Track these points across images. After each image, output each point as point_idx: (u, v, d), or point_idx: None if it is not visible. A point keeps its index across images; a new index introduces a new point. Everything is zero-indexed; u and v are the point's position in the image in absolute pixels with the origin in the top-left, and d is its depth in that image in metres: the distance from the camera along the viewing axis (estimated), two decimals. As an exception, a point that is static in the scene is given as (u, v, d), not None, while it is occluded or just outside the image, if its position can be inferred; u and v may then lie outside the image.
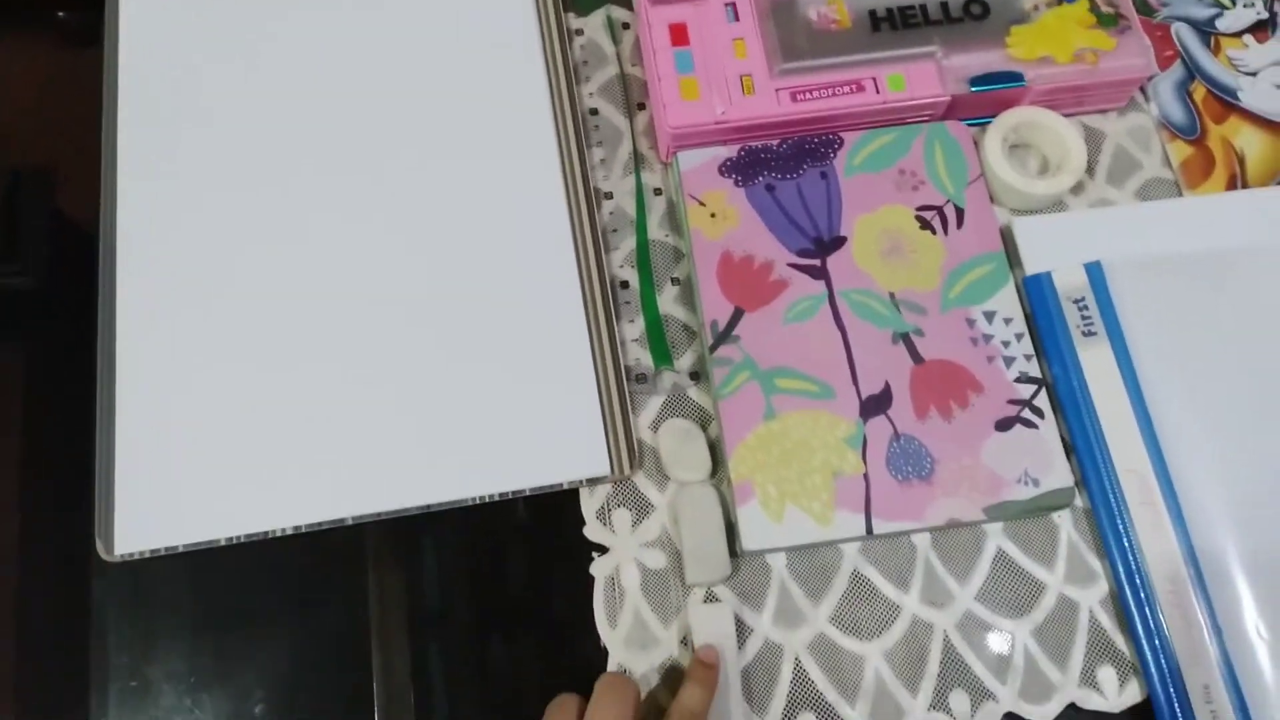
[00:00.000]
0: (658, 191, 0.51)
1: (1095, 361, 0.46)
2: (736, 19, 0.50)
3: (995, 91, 0.50)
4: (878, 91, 0.49)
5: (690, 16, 0.50)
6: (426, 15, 0.54)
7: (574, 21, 0.54)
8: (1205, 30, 0.55)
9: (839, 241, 0.48)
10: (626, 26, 0.54)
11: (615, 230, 0.50)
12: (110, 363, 0.46)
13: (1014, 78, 0.49)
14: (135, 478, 0.44)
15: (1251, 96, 0.53)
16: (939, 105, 0.50)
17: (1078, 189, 0.51)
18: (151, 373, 0.46)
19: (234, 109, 0.52)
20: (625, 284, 0.49)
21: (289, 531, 0.43)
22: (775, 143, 0.50)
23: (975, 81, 0.49)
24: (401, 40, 0.53)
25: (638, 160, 0.51)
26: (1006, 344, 0.46)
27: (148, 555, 0.43)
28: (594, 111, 0.52)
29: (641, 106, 0.53)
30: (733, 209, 0.49)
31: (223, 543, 0.43)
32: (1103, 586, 0.44)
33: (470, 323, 0.47)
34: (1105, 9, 0.51)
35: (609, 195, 0.51)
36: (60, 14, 0.56)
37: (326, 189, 0.50)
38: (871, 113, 0.50)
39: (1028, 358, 0.46)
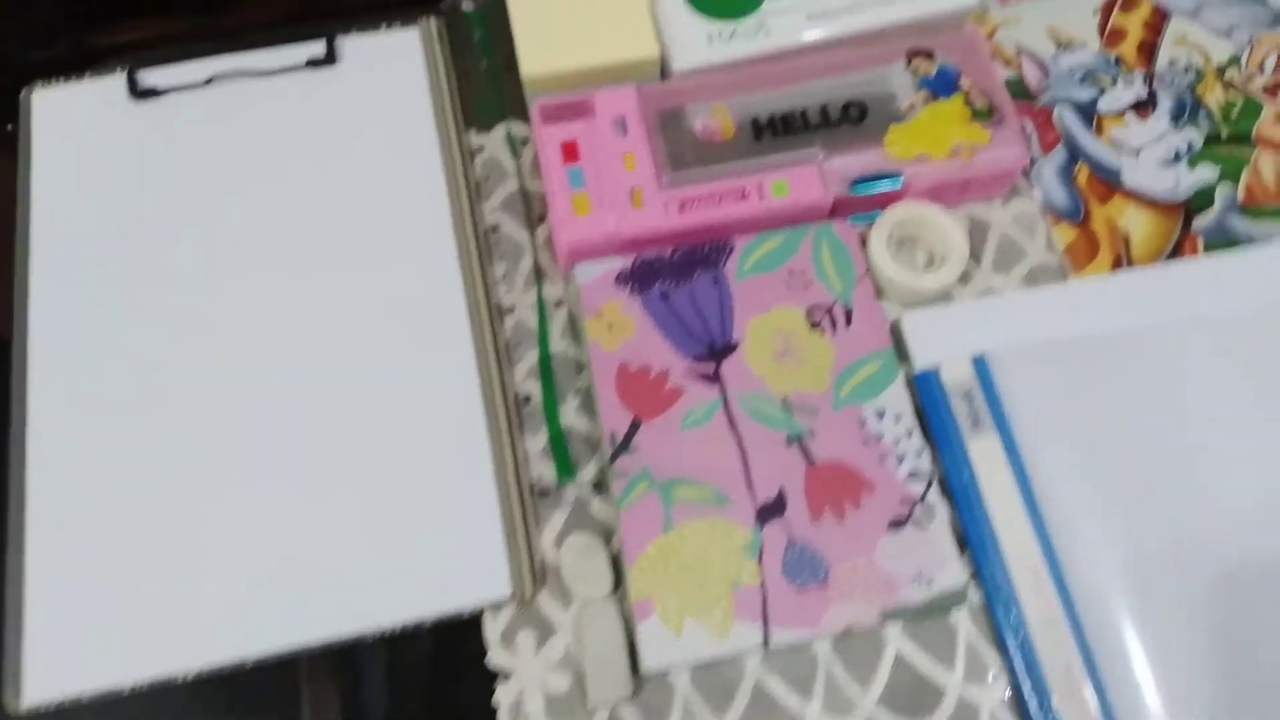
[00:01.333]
0: (559, 304, 0.53)
1: (984, 455, 0.48)
2: (625, 133, 0.52)
3: (876, 193, 0.52)
4: (761, 198, 0.51)
5: (581, 133, 0.53)
6: (331, 136, 0.56)
7: (475, 139, 0.57)
8: (1087, 111, 0.57)
9: (732, 346, 0.50)
10: (525, 142, 0.57)
11: (518, 344, 0.52)
12: (21, 497, 0.48)
13: (892, 177, 0.52)
14: (46, 621, 0.46)
15: (1134, 175, 0.55)
16: (822, 208, 0.52)
17: (965, 278, 0.53)
18: (63, 504, 0.48)
19: (146, 223, 0.53)
20: (528, 398, 0.51)
21: (190, 676, 0.44)
22: (669, 252, 0.52)
23: (856, 184, 0.52)
24: (305, 158, 0.55)
25: (539, 274, 0.53)
26: (897, 441, 0.48)
27: (58, 704, 0.44)
28: (495, 228, 0.54)
29: (542, 219, 0.55)
30: (629, 319, 0.50)
31: (127, 691, 0.44)
32: (1002, 684, 0.45)
33: (372, 444, 0.49)
34: (979, 103, 0.53)
35: (511, 310, 0.52)
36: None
37: (230, 310, 0.52)
38: (757, 219, 0.52)
39: (919, 454, 0.47)
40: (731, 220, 0.52)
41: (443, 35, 0.59)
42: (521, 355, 0.52)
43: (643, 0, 0.54)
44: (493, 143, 0.57)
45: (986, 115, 0.53)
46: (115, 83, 0.57)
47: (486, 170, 0.56)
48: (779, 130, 0.53)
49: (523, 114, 0.57)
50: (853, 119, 0.53)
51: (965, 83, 0.54)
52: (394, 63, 0.57)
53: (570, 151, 0.52)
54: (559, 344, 0.52)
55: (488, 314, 0.52)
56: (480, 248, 0.53)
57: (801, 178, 0.52)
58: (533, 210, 0.55)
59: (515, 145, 0.57)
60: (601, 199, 0.51)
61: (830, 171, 0.52)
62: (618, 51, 0.54)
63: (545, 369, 0.51)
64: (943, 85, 0.54)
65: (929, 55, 0.54)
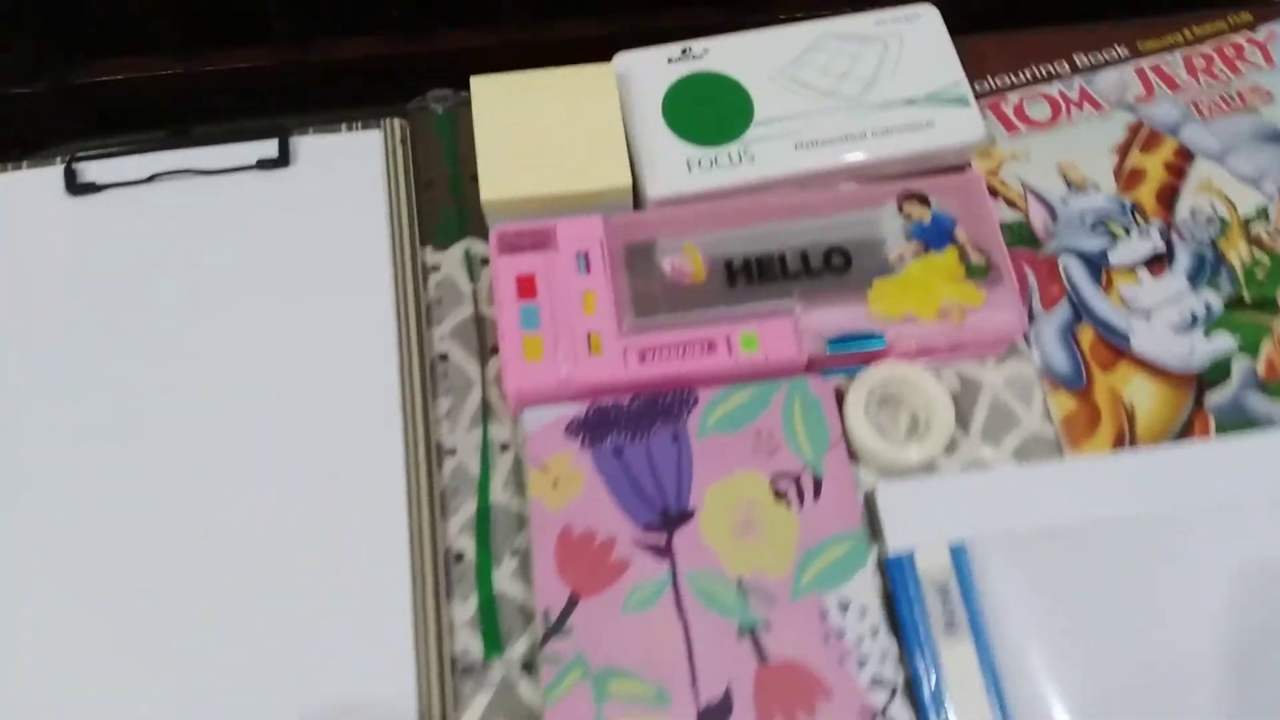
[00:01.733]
0: (505, 447, 0.49)
1: (958, 663, 0.43)
2: (588, 270, 0.48)
3: (855, 353, 0.48)
4: (730, 352, 0.47)
5: (540, 266, 0.49)
6: (277, 243, 0.52)
7: (431, 255, 0.53)
8: (1096, 264, 0.53)
9: (688, 513, 0.46)
10: (486, 262, 0.53)
11: (456, 491, 0.48)
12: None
13: (873, 338, 0.47)
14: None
15: (1144, 340, 0.51)
16: (795, 367, 0.48)
17: (951, 447, 0.49)
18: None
19: (75, 326, 0.50)
20: (460, 556, 0.47)
21: None
22: (626, 400, 0.48)
23: (834, 342, 0.47)
24: (247, 266, 0.52)
25: (486, 412, 0.49)
26: (860, 640, 0.43)
27: None
28: (444, 356, 0.51)
29: (495, 350, 0.51)
30: (577, 474, 0.46)
31: None
32: None
33: (281, 603, 0.45)
34: (975, 258, 0.49)
35: (452, 451, 0.49)
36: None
37: (148, 437, 0.48)
38: (723, 375, 0.47)
39: (883, 658, 0.43)
40: (695, 374, 0.47)
41: (406, 140, 0.55)
42: (459, 505, 0.48)
43: (618, 123, 0.51)
44: (450, 261, 0.53)
45: (982, 273, 0.49)
46: (53, 174, 0.54)
47: (440, 291, 0.52)
48: (754, 276, 0.49)
49: (485, 231, 0.53)
50: (835, 268, 0.49)
51: (961, 234, 0.49)
52: (351, 167, 0.54)
53: (526, 287, 0.49)
54: (501, 494, 0.48)
55: (425, 456, 0.48)
56: (425, 379, 0.49)
57: (775, 332, 0.48)
58: (486, 340, 0.51)
59: (473, 266, 0.53)
60: (556, 343, 0.47)
61: (807, 326, 0.48)
62: (587, 179, 0.50)
63: (483, 523, 0.47)
64: (936, 235, 0.49)
65: (923, 200, 0.50)
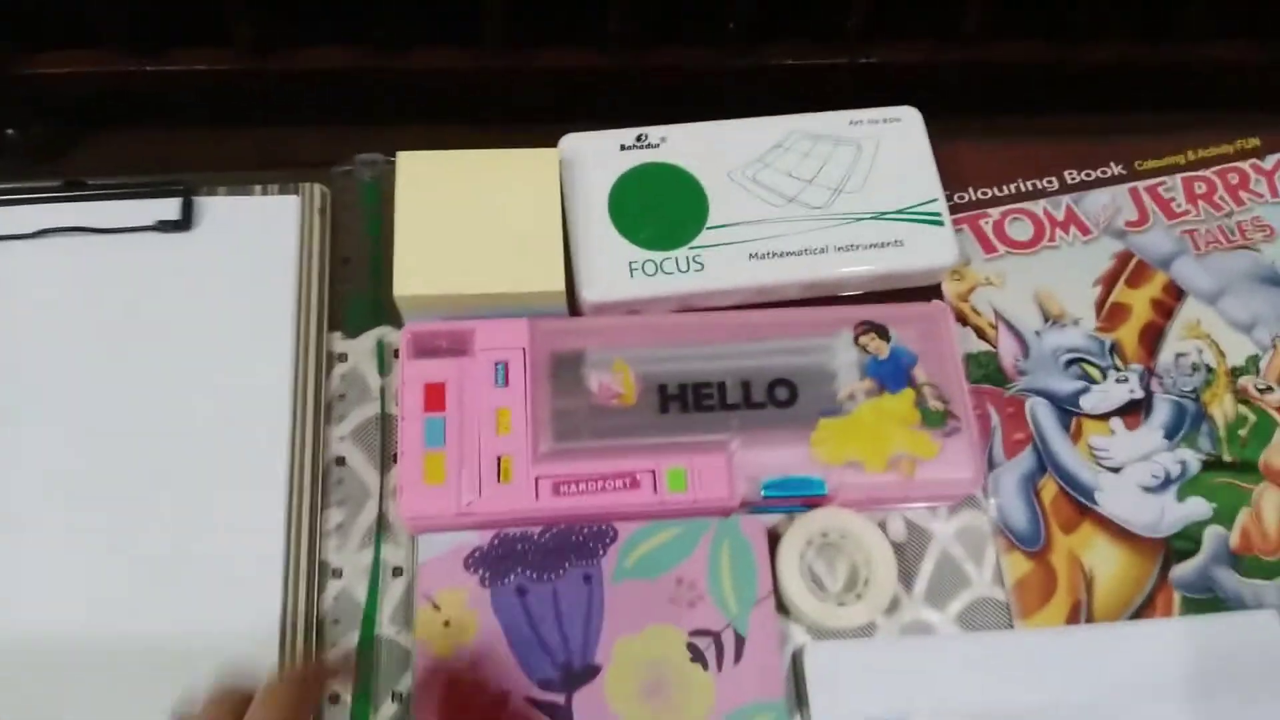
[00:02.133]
0: (398, 572, 0.44)
1: None
2: (506, 382, 0.44)
3: (791, 498, 0.43)
4: (655, 490, 0.43)
5: (453, 374, 0.44)
6: (170, 315, 0.47)
7: (340, 343, 0.48)
8: (1067, 409, 0.49)
9: (592, 671, 0.41)
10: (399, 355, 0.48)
11: (337, 621, 0.43)
12: None
13: (813, 486, 0.43)
14: None
15: (1111, 499, 0.47)
16: (725, 509, 0.43)
17: (892, 606, 0.45)
18: None
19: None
20: (335, 698, 0.42)
21: None
22: (537, 532, 0.43)
23: (770, 485, 0.43)
24: (134, 338, 0.47)
25: (382, 529, 0.45)
26: (766, 835, 0.39)
27: None
28: (340, 461, 0.46)
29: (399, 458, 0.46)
30: (472, 616, 0.42)
31: None
32: None
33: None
34: (934, 405, 0.45)
35: (338, 573, 0.44)
36: None
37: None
38: (646, 514, 0.43)
39: None
40: (614, 510, 0.43)
41: (326, 209, 0.50)
42: (339, 635, 0.43)
43: (556, 218, 0.46)
44: (359, 351, 0.48)
45: (939, 422, 0.44)
46: (-67, 221, 0.49)
47: (346, 385, 0.47)
48: (689, 403, 0.44)
49: (402, 320, 0.48)
50: (779, 401, 0.44)
51: (920, 374, 0.45)
52: (261, 235, 0.49)
53: (435, 397, 0.44)
54: (389, 627, 0.43)
55: (308, 577, 0.43)
56: (316, 486, 0.45)
57: (706, 469, 0.43)
58: (390, 444, 0.46)
59: (385, 359, 0.48)
60: (460, 466, 0.43)
61: (742, 464, 0.43)
62: (517, 279, 0.45)
63: (364, 661, 0.43)
64: (893, 374, 0.45)
65: (882, 333, 0.46)
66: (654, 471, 0.43)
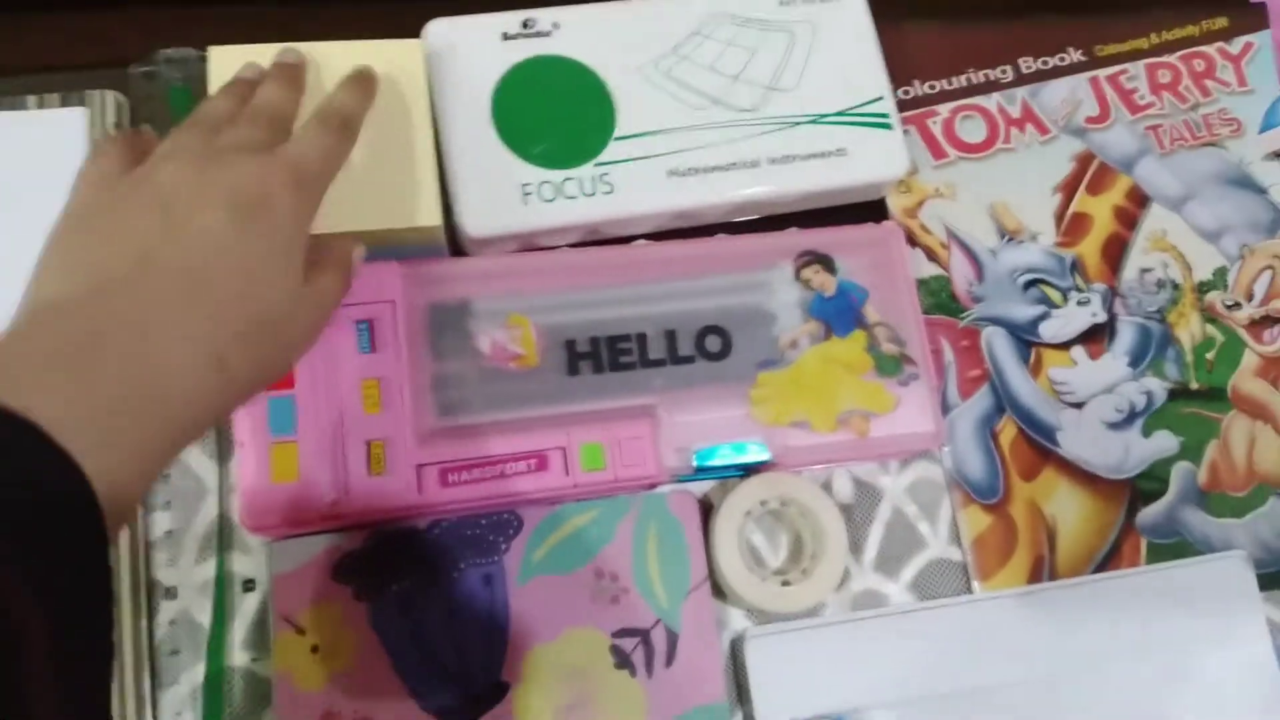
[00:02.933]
0: (250, 585, 0.36)
1: None
2: (372, 347, 0.35)
3: (728, 467, 0.37)
4: (567, 470, 0.36)
5: (302, 337, 0.35)
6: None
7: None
8: (1025, 340, 0.43)
9: (499, 691, 0.35)
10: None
11: (176, 652, 0.35)
12: None
13: (754, 452, 0.37)
14: None
15: (1073, 439, 0.43)
16: (651, 485, 0.37)
17: (843, 577, 0.39)
18: None
19: None
20: (180, 742, 0.35)
21: None
22: (423, 525, 0.36)
23: (704, 454, 0.37)
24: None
25: (224, 534, 0.36)
26: None
27: None
28: (168, 449, 0.37)
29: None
30: (347, 637, 0.35)
31: None
32: None
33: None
34: (888, 348, 0.38)
35: (171, 592, 0.36)
36: None
37: None
38: (556, 498, 0.36)
39: None
40: (519, 497, 0.36)
41: (123, 122, 0.39)
42: (179, 672, 0.35)
43: (426, 128, 0.37)
44: (183, 307, 0.39)
45: (894, 369, 0.38)
46: None
47: (168, 351, 0.38)
48: (603, 362, 0.37)
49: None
50: (710, 354, 0.38)
51: (871, 314, 0.39)
52: (41, 159, 0.38)
53: (281, 370, 0.35)
54: (241, 655, 0.36)
55: (131, 601, 0.35)
56: (141, 483, 0.36)
57: (627, 440, 0.36)
58: (228, 425, 0.37)
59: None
60: (319, 456, 0.34)
61: (670, 433, 0.37)
62: (378, 212, 0.36)
63: (212, 702, 0.35)
64: (840, 315, 0.39)
65: (827, 264, 0.39)
66: (564, 448, 0.36)
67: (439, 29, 0.40)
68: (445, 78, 0.39)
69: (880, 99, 0.41)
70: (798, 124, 0.41)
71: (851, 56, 0.42)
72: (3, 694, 0.19)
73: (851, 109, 0.41)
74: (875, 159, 0.41)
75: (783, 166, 0.40)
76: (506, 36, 0.40)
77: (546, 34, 0.40)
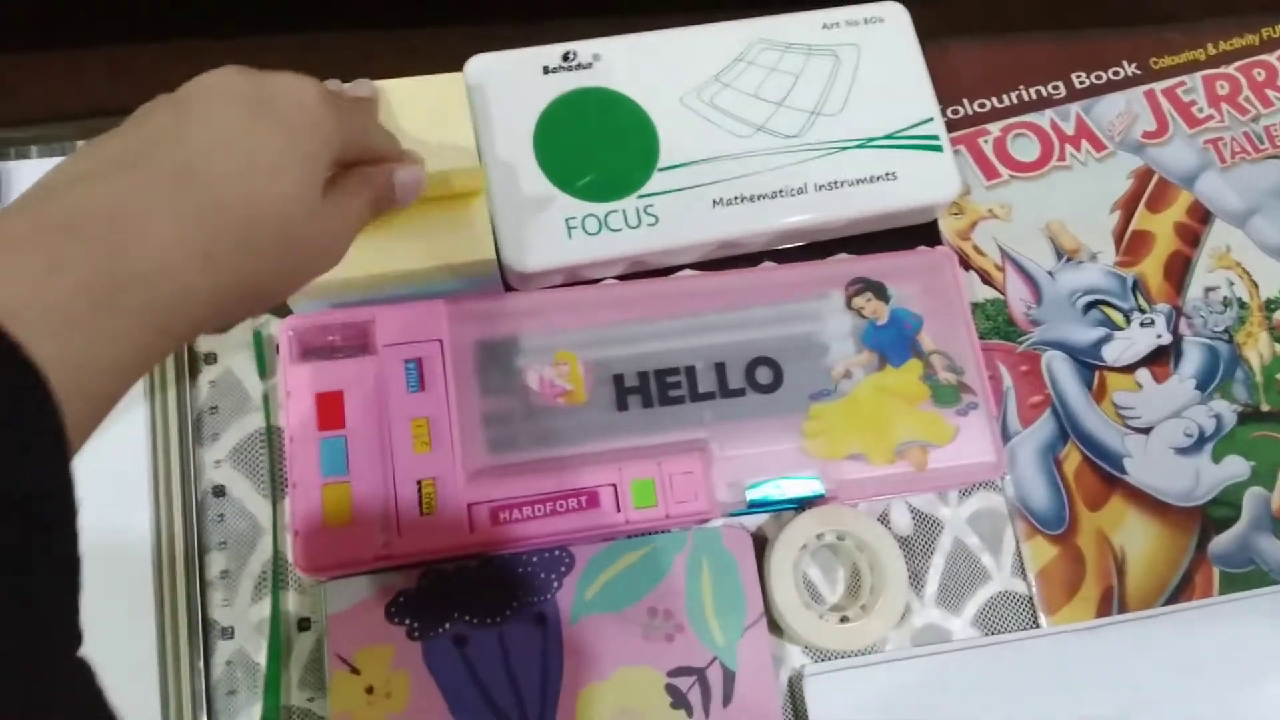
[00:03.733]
0: (305, 625, 0.36)
1: None
2: (421, 385, 0.36)
3: (782, 503, 0.37)
4: (619, 507, 0.35)
5: (352, 379, 0.36)
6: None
7: (203, 340, 0.39)
8: (1087, 363, 0.42)
9: (553, 731, 0.35)
10: (283, 347, 0.39)
11: (233, 692, 0.36)
12: None
13: (807, 489, 0.36)
14: None
15: (1141, 466, 0.41)
16: (704, 521, 0.36)
17: (903, 612, 0.39)
18: None
19: None
20: (239, 788, 0.35)
21: None
22: (475, 564, 0.36)
23: (756, 487, 0.36)
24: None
25: (279, 573, 0.37)
26: None
27: None
28: (219, 491, 0.37)
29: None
30: (401, 678, 0.35)
31: None
32: None
33: None
34: (945, 377, 0.38)
35: (228, 632, 0.36)
36: None
37: None
38: (608, 535, 0.36)
39: None
40: (570, 535, 0.36)
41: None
42: (237, 710, 0.35)
43: (472, 163, 0.37)
44: (232, 348, 0.39)
45: (953, 398, 0.38)
46: None
47: (218, 394, 0.38)
48: (652, 396, 0.37)
49: (285, 305, 0.39)
50: (761, 386, 0.37)
51: (927, 341, 0.38)
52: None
53: (331, 411, 0.35)
54: (299, 695, 0.36)
55: (189, 641, 0.35)
56: (190, 526, 0.36)
57: (679, 476, 0.36)
58: (281, 463, 0.38)
59: (265, 357, 0.39)
60: (370, 498, 0.35)
61: (722, 467, 0.36)
62: (433, 249, 0.36)
63: (272, 738, 0.35)
64: (894, 344, 0.38)
65: (879, 291, 0.39)
66: (615, 485, 0.36)
67: (480, 64, 0.40)
68: (486, 113, 0.39)
69: (930, 120, 0.41)
70: (844, 149, 0.40)
71: (898, 78, 0.41)
72: None
73: (899, 131, 0.41)
74: (925, 182, 0.40)
75: (830, 193, 0.40)
76: (547, 70, 0.40)
77: (587, 66, 0.40)
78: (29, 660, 0.20)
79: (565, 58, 0.40)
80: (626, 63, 0.41)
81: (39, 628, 0.20)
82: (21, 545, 0.20)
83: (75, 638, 0.21)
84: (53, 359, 0.21)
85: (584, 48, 0.41)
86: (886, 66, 0.42)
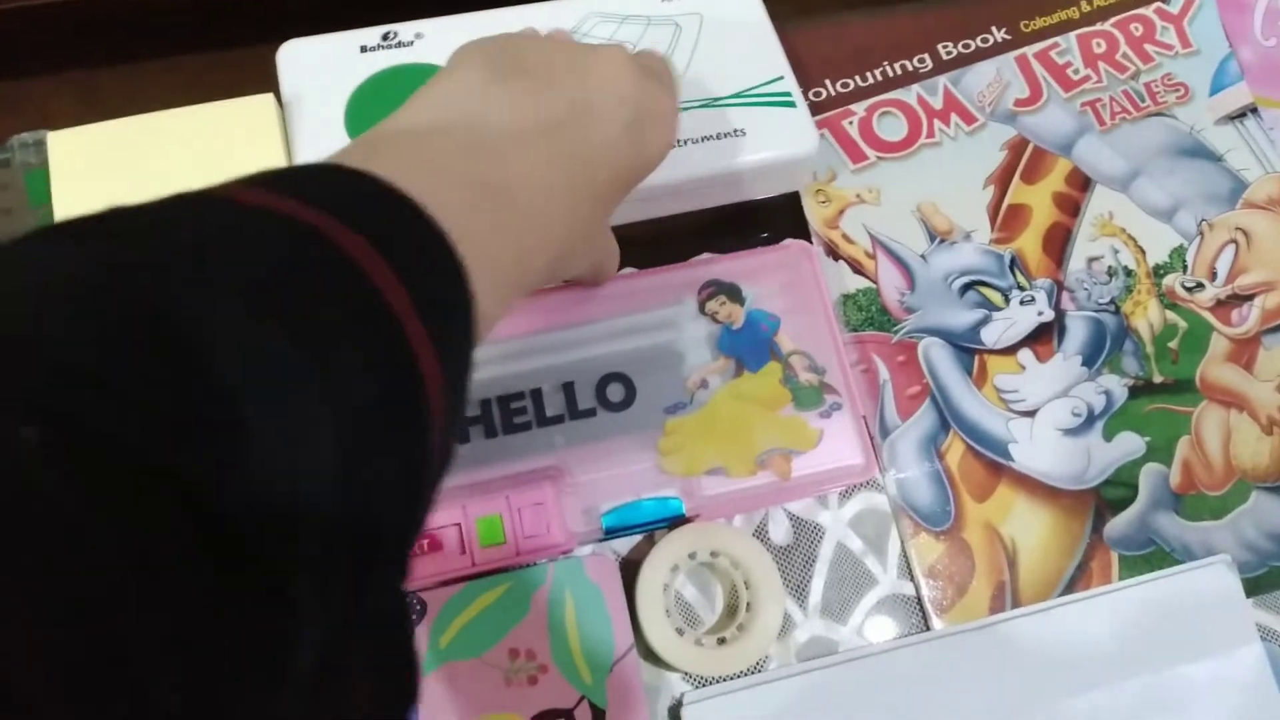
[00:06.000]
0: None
1: None
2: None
3: (642, 526, 0.35)
4: (464, 549, 0.34)
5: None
6: None
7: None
8: (966, 348, 0.41)
9: (412, 790, 0.33)
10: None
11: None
12: None
13: (667, 508, 0.35)
14: None
15: (1027, 451, 0.40)
16: (563, 553, 0.35)
17: (785, 628, 0.37)
18: None
19: None
20: None
21: None
22: (319, 619, 0.34)
23: (611, 515, 0.35)
24: None
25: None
26: None
27: None
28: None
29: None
30: (247, 746, 0.33)
31: None
32: None
33: None
34: (806, 378, 0.36)
35: None
36: None
37: None
38: (456, 579, 0.34)
39: None
40: (416, 581, 0.34)
41: (-24, 214, 0.38)
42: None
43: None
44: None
45: (815, 400, 0.36)
46: None
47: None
48: (495, 425, 0.35)
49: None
50: (612, 404, 0.36)
51: (786, 342, 0.37)
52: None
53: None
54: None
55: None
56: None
57: (528, 509, 0.34)
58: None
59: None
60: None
61: (575, 495, 0.35)
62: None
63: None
64: (751, 347, 0.37)
65: (733, 293, 0.37)
66: (460, 525, 0.34)
67: (293, 50, 0.38)
68: (299, 99, 0.37)
69: (780, 79, 0.39)
70: (688, 108, 0.38)
71: (745, 43, 0.40)
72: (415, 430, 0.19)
73: (749, 89, 0.39)
74: (780, 136, 0.39)
75: (677, 152, 0.38)
76: (365, 49, 0.38)
77: (409, 44, 0.39)
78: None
79: (385, 37, 0.39)
80: (452, 40, 0.38)
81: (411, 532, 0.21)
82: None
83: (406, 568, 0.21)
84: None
85: (406, 28, 0.39)
86: (733, 32, 0.40)
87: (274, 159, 0.35)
